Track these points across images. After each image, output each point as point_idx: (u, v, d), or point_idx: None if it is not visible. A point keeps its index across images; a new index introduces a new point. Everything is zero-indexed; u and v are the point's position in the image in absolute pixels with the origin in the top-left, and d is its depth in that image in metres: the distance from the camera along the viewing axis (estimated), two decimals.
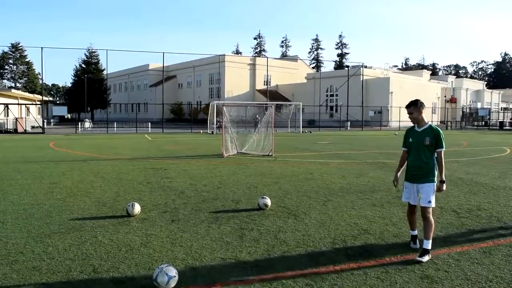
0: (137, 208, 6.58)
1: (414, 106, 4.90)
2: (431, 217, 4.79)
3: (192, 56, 70.18)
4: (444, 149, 4.82)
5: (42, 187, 9.04)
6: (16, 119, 37.50)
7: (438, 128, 4.88)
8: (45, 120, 41.64)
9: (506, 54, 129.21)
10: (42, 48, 36.55)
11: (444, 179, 4.82)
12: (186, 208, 7.14)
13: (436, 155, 4.84)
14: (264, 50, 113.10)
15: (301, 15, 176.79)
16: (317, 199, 7.91)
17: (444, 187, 4.86)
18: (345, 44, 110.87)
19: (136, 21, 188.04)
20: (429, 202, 4.77)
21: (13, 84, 79.51)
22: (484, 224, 6.21)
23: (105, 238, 5.42)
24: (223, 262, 4.57)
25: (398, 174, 5.34)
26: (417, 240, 5.06)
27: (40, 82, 58.13)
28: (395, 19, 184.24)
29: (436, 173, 4.84)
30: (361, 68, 56.34)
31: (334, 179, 10.30)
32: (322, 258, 4.73)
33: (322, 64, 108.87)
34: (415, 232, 5.12)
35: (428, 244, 4.69)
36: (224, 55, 67.02)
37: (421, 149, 4.86)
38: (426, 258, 4.60)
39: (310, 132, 39.47)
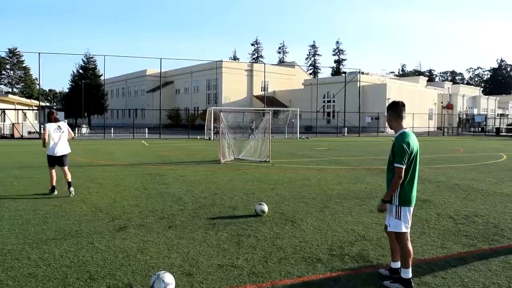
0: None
1: (387, 110, 4.25)
2: (402, 244, 4.08)
3: (190, 62, 70.26)
4: (400, 165, 3.95)
5: (38, 193, 8.99)
6: (13, 124, 37.40)
7: (405, 136, 4.03)
8: (42, 126, 41.50)
9: (502, 61, 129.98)
10: (39, 53, 36.54)
11: (385, 198, 4.10)
12: (183, 214, 7.13)
13: None
14: (261, 56, 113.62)
15: (298, 22, 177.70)
16: (314, 206, 7.90)
17: (382, 207, 4.14)
18: (342, 50, 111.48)
19: (133, 27, 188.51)
20: (389, 225, 4.13)
21: (10, 90, 79.30)
22: (481, 230, 6.22)
23: (101, 244, 5.40)
24: (220, 269, 4.56)
25: None
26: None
27: (37, 87, 58.01)
28: (392, 25, 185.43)
29: (397, 193, 4.05)
30: (358, 74, 56.57)
31: (331, 186, 10.31)
32: (319, 264, 4.72)
33: (319, 70, 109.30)
34: (395, 264, 4.35)
35: (404, 273, 4.06)
36: (221, 61, 67.19)
37: (388, 161, 4.20)
38: (395, 286, 4.07)
39: (307, 138, 39.51)
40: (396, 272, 4.28)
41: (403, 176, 3.97)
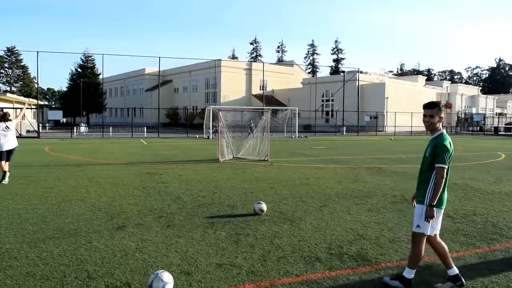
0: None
1: (430, 109, 4.06)
2: (418, 246, 3.99)
3: (188, 61, 70.53)
4: (443, 166, 3.88)
5: (36, 192, 8.99)
6: None
7: (445, 137, 3.97)
8: (40, 125, 41.44)
9: (500, 60, 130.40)
10: (37, 52, 36.56)
11: (432, 203, 3.88)
12: (181, 213, 7.12)
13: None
14: (260, 55, 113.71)
15: (297, 21, 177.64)
16: (313, 204, 7.90)
17: (432, 214, 3.87)
18: (340, 49, 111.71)
19: (132, 26, 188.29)
20: (417, 226, 3.99)
21: (8, 88, 79.15)
22: (479, 229, 6.23)
23: (100, 243, 5.39)
24: (219, 268, 4.55)
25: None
26: (457, 281, 4.09)
27: (36, 86, 57.92)
28: (390, 25, 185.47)
29: (430, 194, 3.94)
30: (357, 74, 56.58)
31: (329, 184, 10.31)
32: (318, 263, 4.72)
33: (318, 69, 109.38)
34: (452, 271, 4.10)
35: (407, 273, 4.04)
36: (220, 60, 67.19)
37: (423, 162, 4.13)
38: (394, 283, 4.05)
39: (306, 137, 39.52)
40: (457, 279, 4.07)
41: (445, 176, 3.89)
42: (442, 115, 4.09)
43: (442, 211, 4.06)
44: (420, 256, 4.02)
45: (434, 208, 3.88)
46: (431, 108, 4.05)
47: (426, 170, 4.02)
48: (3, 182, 10.03)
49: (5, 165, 10.37)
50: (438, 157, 3.89)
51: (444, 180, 3.90)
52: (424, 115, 4.10)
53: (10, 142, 10.46)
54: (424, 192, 3.98)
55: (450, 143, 3.95)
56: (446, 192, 4.03)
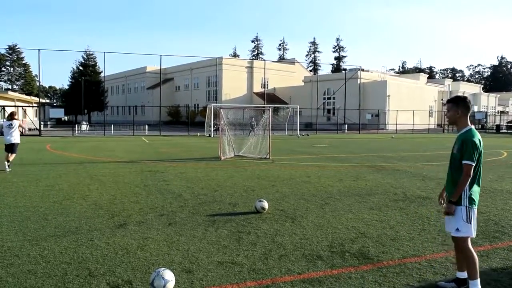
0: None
1: (452, 104, 3.96)
2: (466, 250, 3.81)
3: (190, 59, 70.37)
4: (469, 162, 3.71)
5: (38, 190, 8.99)
6: None
7: (474, 133, 3.81)
8: (42, 123, 41.48)
9: (502, 58, 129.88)
10: (39, 50, 36.52)
11: (453, 199, 3.77)
12: (183, 211, 7.12)
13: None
14: (261, 53, 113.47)
15: (298, 18, 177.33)
16: (315, 202, 7.89)
17: (451, 209, 3.77)
18: (342, 47, 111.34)
19: (133, 24, 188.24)
20: (457, 230, 3.79)
21: (10, 86, 79.25)
22: (482, 227, 6.20)
23: (101, 241, 5.39)
24: (220, 266, 4.55)
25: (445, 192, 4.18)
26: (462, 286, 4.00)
27: (37, 84, 57.96)
28: (392, 22, 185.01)
29: (468, 193, 3.78)
30: (358, 71, 56.49)
31: (331, 182, 10.29)
32: (320, 261, 4.71)
33: (319, 67, 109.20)
34: (462, 274, 4.01)
35: (473, 285, 3.76)
36: (221, 57, 67.09)
37: (452, 159, 3.97)
38: None
39: (308, 135, 39.49)
40: (464, 283, 3.95)
41: (471, 174, 3.72)
42: (466, 110, 3.92)
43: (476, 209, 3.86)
44: (475, 260, 3.77)
45: (471, 209, 3.76)
46: (454, 103, 3.95)
47: (457, 168, 3.83)
48: (8, 169, 11.82)
49: (10, 156, 12.25)
50: (465, 153, 3.74)
51: (473, 178, 3.76)
52: (447, 110, 3.99)
53: (12, 137, 12.35)
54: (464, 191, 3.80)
55: (479, 139, 3.79)
56: (479, 189, 3.86)
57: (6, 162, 11.97)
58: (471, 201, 3.78)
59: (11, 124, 12.43)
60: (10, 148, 12.36)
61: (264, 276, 4.28)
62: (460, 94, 71.16)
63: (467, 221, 3.75)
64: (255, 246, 5.25)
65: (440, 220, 6.62)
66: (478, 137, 3.79)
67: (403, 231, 5.97)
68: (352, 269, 4.50)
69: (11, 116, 12.62)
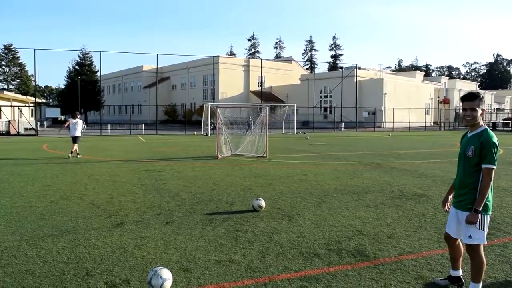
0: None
1: (471, 101, 3.57)
2: (478, 256, 3.64)
3: (186, 58, 70.19)
4: (493, 166, 3.51)
5: (35, 190, 8.98)
6: (9, 121, 37.22)
7: (491, 133, 3.53)
8: (38, 122, 41.33)
9: (498, 55, 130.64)
10: (35, 49, 36.40)
11: (479, 208, 3.50)
12: (180, 210, 7.12)
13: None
14: (258, 52, 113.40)
15: (295, 17, 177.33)
16: (311, 201, 7.91)
17: (476, 219, 3.50)
18: (338, 45, 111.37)
19: (129, 23, 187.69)
20: (469, 237, 3.58)
21: (5, 86, 78.92)
22: None
23: (98, 240, 5.39)
24: (218, 264, 4.56)
25: (450, 196, 4.02)
26: (459, 285, 3.99)
27: (33, 83, 57.76)
28: (388, 20, 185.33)
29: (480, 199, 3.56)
30: (355, 70, 56.55)
31: (328, 180, 10.32)
32: (317, 259, 4.73)
33: (316, 66, 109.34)
34: (456, 273, 4.01)
35: (474, 287, 3.68)
36: (218, 56, 67.05)
37: (465, 162, 3.66)
38: None
39: (304, 133, 39.51)
40: (458, 281, 3.98)
41: (492, 178, 3.48)
42: (484, 107, 3.62)
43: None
44: (483, 266, 3.66)
45: (485, 216, 3.56)
46: (471, 100, 3.56)
47: (473, 172, 3.59)
48: (79, 156, 16.08)
49: (74, 146, 16.16)
50: (487, 156, 3.47)
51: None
52: (464, 109, 3.59)
53: (77, 131, 16.55)
54: (474, 197, 3.58)
55: (498, 141, 3.57)
56: (492, 195, 3.67)
57: (70, 154, 15.88)
58: (486, 207, 3.58)
59: (77, 122, 16.68)
60: (75, 139, 16.32)
61: (262, 274, 4.29)
62: (456, 91, 71.59)
63: (480, 228, 3.56)
64: (252, 244, 5.26)
65: (436, 217, 6.65)
66: (495, 137, 3.58)
67: (399, 228, 6.00)
68: (349, 266, 4.52)
69: (74, 116, 16.71)
